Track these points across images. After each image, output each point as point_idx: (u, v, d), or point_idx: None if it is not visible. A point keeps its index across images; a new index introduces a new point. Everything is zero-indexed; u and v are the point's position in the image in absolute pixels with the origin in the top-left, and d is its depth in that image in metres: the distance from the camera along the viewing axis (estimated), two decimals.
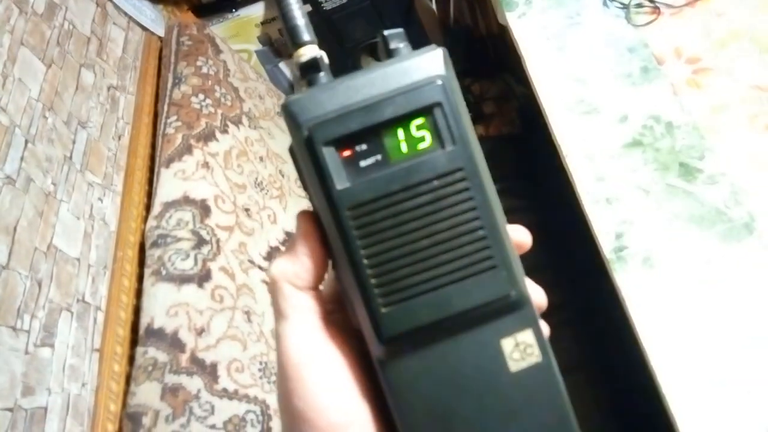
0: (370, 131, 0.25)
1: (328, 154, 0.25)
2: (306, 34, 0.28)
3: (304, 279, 0.27)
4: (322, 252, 0.27)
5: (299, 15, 0.28)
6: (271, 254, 1.04)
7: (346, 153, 0.25)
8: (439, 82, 0.25)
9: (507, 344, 0.26)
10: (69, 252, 0.92)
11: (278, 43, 1.72)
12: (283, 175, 1.20)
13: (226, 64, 1.26)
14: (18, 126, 0.91)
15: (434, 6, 1.53)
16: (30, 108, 0.96)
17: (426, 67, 0.26)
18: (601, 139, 0.77)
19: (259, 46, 1.71)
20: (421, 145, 0.25)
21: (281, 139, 1.28)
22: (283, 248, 1.07)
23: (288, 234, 1.09)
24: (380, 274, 0.25)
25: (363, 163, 0.25)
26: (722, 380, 0.60)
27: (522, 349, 0.26)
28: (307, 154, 0.25)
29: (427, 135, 0.25)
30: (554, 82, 0.83)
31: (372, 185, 0.25)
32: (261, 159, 1.17)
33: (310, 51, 0.28)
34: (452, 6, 1.47)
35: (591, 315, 0.82)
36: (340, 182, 0.25)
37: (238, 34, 1.69)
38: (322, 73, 0.27)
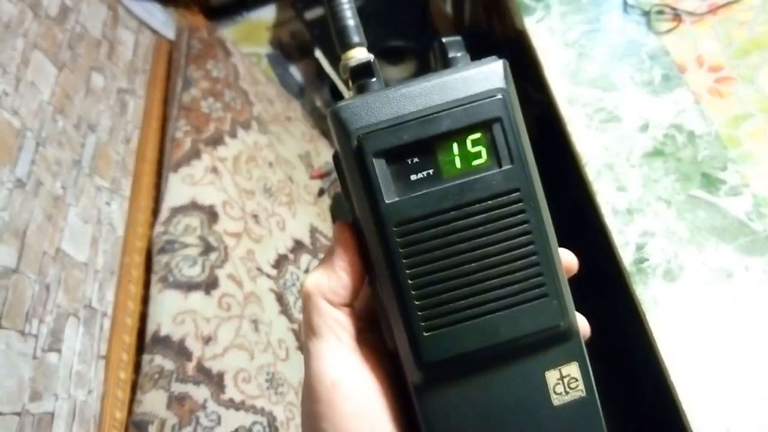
0: (424, 144, 0.24)
1: (378, 165, 0.24)
2: (357, 36, 0.26)
3: (340, 295, 0.25)
4: (361, 267, 0.25)
5: (351, 15, 0.26)
6: (279, 262, 1.03)
7: (397, 165, 0.24)
8: (500, 96, 0.24)
9: (551, 377, 0.25)
10: (77, 257, 0.90)
11: (289, 46, 1.71)
12: (292, 181, 1.19)
13: (236, 68, 1.25)
14: (30, 129, 0.90)
15: (449, 10, 1.51)
16: (41, 111, 0.95)
17: (486, 79, 0.24)
18: (622, 147, 0.75)
19: (269, 50, 1.71)
20: (477, 162, 0.24)
21: (291, 145, 1.26)
22: (292, 256, 1.05)
23: (297, 242, 1.08)
24: (424, 297, 0.24)
25: (414, 177, 0.24)
26: (745, 395, 0.58)
27: (566, 383, 0.25)
28: (355, 163, 0.24)
29: (483, 151, 0.24)
30: (573, 89, 0.81)
31: (422, 201, 0.24)
32: (270, 164, 1.16)
33: (361, 54, 0.26)
34: (467, 10, 1.46)
35: (610, 328, 0.80)
36: (389, 196, 0.24)
37: (249, 38, 1.68)
38: (374, 79, 0.25)
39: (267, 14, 1.72)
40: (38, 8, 1.03)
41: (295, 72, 1.65)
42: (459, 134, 0.24)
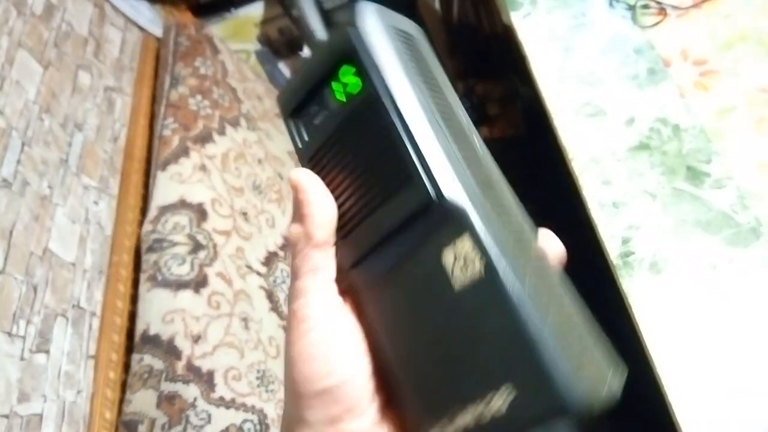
0: (315, 91, 0.28)
1: (293, 123, 0.29)
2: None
3: (315, 236, 0.27)
4: (327, 204, 0.27)
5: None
6: (269, 259, 1.02)
7: (303, 118, 0.28)
8: (347, 31, 0.26)
9: (447, 258, 0.24)
10: (64, 256, 0.90)
11: (277, 43, 1.71)
12: (282, 178, 1.19)
13: (224, 65, 1.25)
14: (15, 129, 0.90)
15: (437, 5, 1.51)
16: (27, 110, 0.94)
17: (350, 22, 0.27)
18: (608, 141, 0.75)
19: (258, 46, 1.70)
20: (355, 91, 0.26)
21: (280, 141, 1.26)
22: (281, 253, 1.05)
23: (287, 238, 1.08)
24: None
25: (316, 121, 0.28)
26: (729, 385, 0.58)
27: (463, 263, 0.23)
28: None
29: (359, 81, 0.26)
30: (559, 83, 0.81)
31: (319, 132, 0.28)
32: (259, 161, 1.15)
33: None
34: (456, 5, 1.46)
35: (598, 321, 0.80)
36: (303, 142, 0.28)
37: (237, 34, 1.68)
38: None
39: (255, 11, 1.71)
40: (23, 6, 1.02)
41: (284, 68, 1.65)
42: (332, 74, 0.27)
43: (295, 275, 0.27)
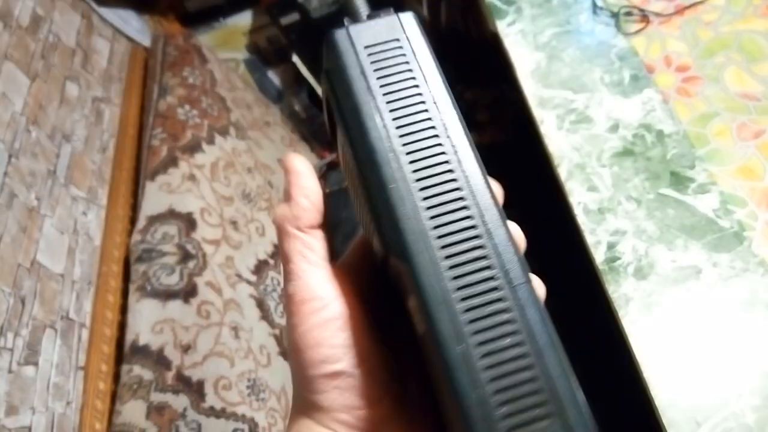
0: None
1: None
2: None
3: (303, 219, 0.27)
4: (316, 188, 0.28)
5: None
6: (260, 268, 1.02)
7: None
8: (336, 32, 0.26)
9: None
10: (53, 268, 0.90)
11: (266, 51, 1.71)
12: (272, 186, 1.19)
13: (212, 74, 1.25)
14: (2, 141, 0.90)
15: (425, 12, 1.52)
16: (14, 122, 0.94)
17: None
18: (593, 148, 0.76)
19: (247, 55, 1.70)
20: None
21: (270, 149, 1.26)
22: (272, 261, 1.05)
23: (277, 246, 1.08)
24: None
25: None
26: (713, 387, 0.59)
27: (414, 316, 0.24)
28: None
29: None
30: (545, 90, 0.82)
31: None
32: (249, 170, 1.16)
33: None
34: (444, 12, 1.47)
35: (583, 326, 0.81)
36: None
37: (226, 43, 1.68)
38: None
39: (244, 20, 1.71)
40: (9, 18, 1.02)
41: (273, 77, 1.65)
42: None
43: (286, 258, 0.27)
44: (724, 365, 0.60)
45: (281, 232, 0.27)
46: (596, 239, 0.70)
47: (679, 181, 0.71)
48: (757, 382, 0.58)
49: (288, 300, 0.27)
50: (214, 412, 0.81)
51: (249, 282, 0.99)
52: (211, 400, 0.81)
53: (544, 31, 0.89)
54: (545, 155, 0.78)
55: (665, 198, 0.71)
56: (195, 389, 0.80)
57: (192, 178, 1.02)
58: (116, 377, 0.87)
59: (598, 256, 0.69)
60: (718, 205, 0.68)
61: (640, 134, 0.76)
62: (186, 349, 0.83)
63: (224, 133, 1.16)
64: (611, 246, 0.69)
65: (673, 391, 0.59)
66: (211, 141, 1.12)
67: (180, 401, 0.79)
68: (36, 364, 0.81)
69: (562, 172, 0.75)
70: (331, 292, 0.26)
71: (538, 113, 0.81)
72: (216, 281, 0.93)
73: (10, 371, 0.76)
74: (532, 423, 0.21)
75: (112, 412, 0.84)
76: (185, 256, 0.92)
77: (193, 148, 1.07)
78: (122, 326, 0.92)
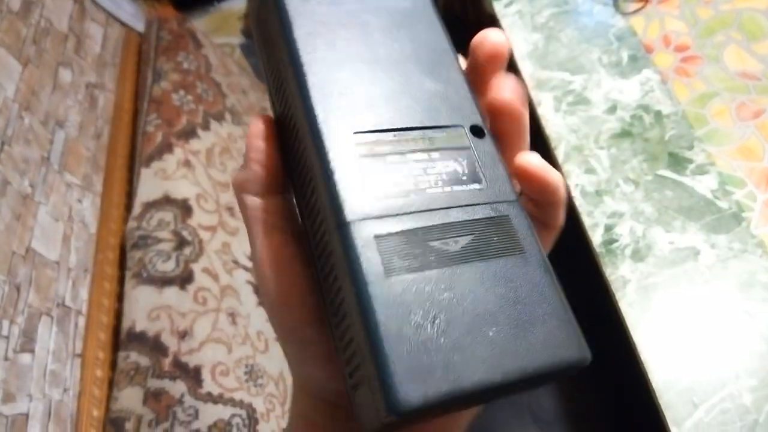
0: None
1: None
2: None
3: (257, 185, 0.26)
4: (274, 155, 0.26)
5: None
6: None
7: None
8: None
9: None
10: (48, 255, 0.89)
11: None
12: None
13: (207, 59, 1.24)
14: None
15: None
16: (6, 109, 0.93)
17: None
18: (590, 129, 0.75)
19: (242, 40, 1.69)
20: None
21: None
22: None
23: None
24: None
25: None
26: (711, 368, 0.58)
27: None
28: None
29: None
30: (543, 72, 0.81)
31: None
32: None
33: None
34: None
35: (580, 308, 0.81)
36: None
37: (221, 28, 1.66)
38: None
39: (238, 4, 1.70)
40: None
41: None
42: None
43: (246, 224, 0.27)
44: (721, 347, 0.59)
45: (237, 199, 0.27)
46: (594, 221, 0.69)
47: (677, 162, 0.70)
48: (754, 364, 0.58)
49: (252, 263, 0.27)
50: (211, 398, 0.81)
51: (246, 268, 0.98)
52: (208, 386, 0.81)
53: (542, 11, 0.87)
54: (543, 137, 0.77)
55: (663, 179, 0.70)
56: (192, 375, 0.80)
57: (187, 164, 1.01)
58: (113, 364, 0.87)
59: (596, 238, 0.68)
60: (716, 185, 0.68)
61: (638, 115, 0.75)
62: (183, 335, 0.82)
63: (220, 118, 1.15)
64: (609, 228, 0.68)
65: (670, 373, 0.59)
66: (206, 127, 1.11)
67: (177, 387, 0.78)
68: (32, 351, 0.80)
69: (560, 154, 0.74)
70: (276, 267, 0.25)
71: (536, 95, 0.80)
72: (212, 267, 0.93)
73: (6, 359, 0.76)
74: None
75: (109, 398, 0.84)
76: (181, 243, 0.92)
77: (189, 133, 1.06)
78: (119, 313, 0.92)
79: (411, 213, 0.22)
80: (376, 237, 0.21)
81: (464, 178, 0.24)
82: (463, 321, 0.20)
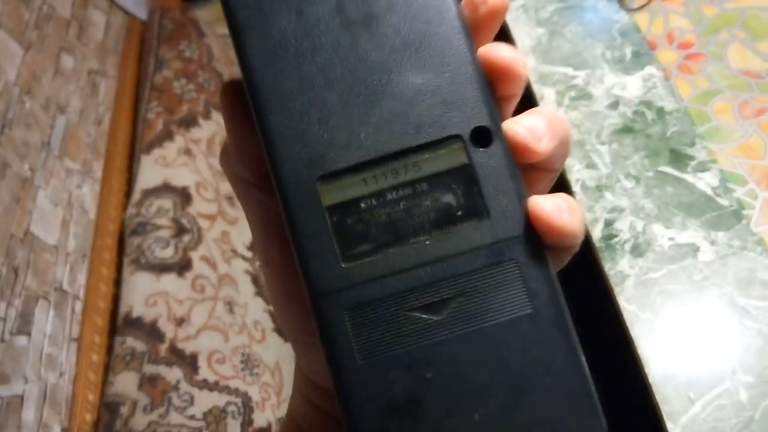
0: None
1: None
2: None
3: (236, 155, 0.23)
4: (244, 124, 0.22)
5: None
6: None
7: None
8: None
9: None
10: (46, 239, 0.89)
11: None
12: None
13: (209, 48, 1.24)
14: None
15: None
16: (7, 92, 0.93)
17: None
18: (592, 125, 0.75)
19: None
20: None
21: None
22: None
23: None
24: None
25: None
26: (709, 365, 0.58)
27: None
28: None
29: None
30: (545, 66, 0.81)
31: None
32: None
33: None
34: None
35: (578, 302, 0.81)
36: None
37: (224, 18, 1.66)
38: None
39: None
40: None
41: None
42: None
43: (237, 197, 0.25)
44: (719, 343, 0.59)
45: (222, 169, 0.25)
46: (594, 216, 0.69)
47: (678, 158, 0.70)
48: (751, 361, 0.58)
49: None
50: (207, 385, 0.80)
51: (244, 258, 0.98)
52: (204, 373, 0.81)
53: (546, 6, 0.87)
54: None
55: (664, 176, 0.70)
56: (188, 362, 0.80)
57: (188, 152, 1.01)
58: (109, 349, 0.87)
59: (596, 233, 0.68)
60: (717, 183, 0.68)
61: (640, 111, 0.75)
62: (180, 322, 0.82)
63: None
64: (609, 223, 0.68)
65: (666, 368, 0.59)
66: (207, 116, 1.10)
67: (173, 373, 0.78)
68: (29, 334, 0.80)
69: None
70: (268, 234, 0.24)
71: (538, 89, 0.80)
72: (211, 256, 0.93)
73: (2, 341, 0.76)
74: None
75: (104, 383, 0.84)
76: (180, 230, 0.92)
77: (189, 122, 1.06)
78: (116, 299, 0.92)
79: (387, 276, 0.19)
80: (348, 310, 0.19)
81: (459, 213, 0.19)
82: (445, 405, 0.18)
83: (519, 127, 0.20)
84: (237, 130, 0.22)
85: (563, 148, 0.21)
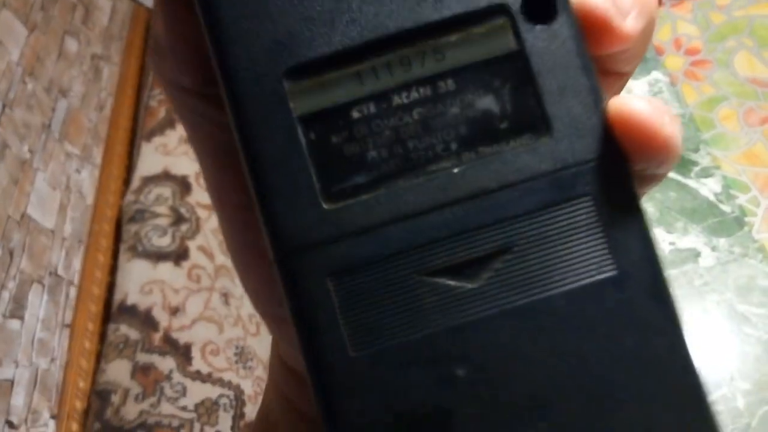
0: None
1: None
2: None
3: (174, 69, 0.17)
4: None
5: None
6: None
7: None
8: None
9: None
10: (43, 223, 0.89)
11: None
12: None
13: None
14: None
15: None
16: (9, 72, 0.92)
17: None
18: None
19: None
20: None
21: None
22: None
23: None
24: None
25: None
26: (705, 371, 0.58)
27: None
28: None
29: None
30: None
31: None
32: None
33: None
34: None
35: None
36: None
37: None
38: None
39: None
40: None
41: None
42: None
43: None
44: (717, 349, 0.59)
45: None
46: None
47: (682, 164, 0.70)
48: (749, 367, 0.58)
49: None
50: (200, 376, 0.80)
51: None
52: (197, 364, 0.80)
53: None
54: None
55: (667, 180, 0.70)
56: (182, 352, 0.79)
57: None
58: (102, 337, 0.87)
59: None
60: (720, 189, 0.67)
61: None
62: (174, 311, 0.82)
63: None
64: None
65: None
66: None
67: (166, 363, 0.78)
68: (21, 318, 0.80)
69: None
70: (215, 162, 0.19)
71: None
72: (208, 246, 0.92)
73: None
74: None
75: (96, 371, 0.84)
76: (178, 219, 0.91)
77: None
78: (111, 287, 0.91)
79: (392, 223, 0.12)
80: (333, 275, 0.12)
81: (503, 125, 0.13)
82: (485, 420, 0.12)
83: None
84: (172, 15, 0.16)
85: (650, 32, 0.14)
